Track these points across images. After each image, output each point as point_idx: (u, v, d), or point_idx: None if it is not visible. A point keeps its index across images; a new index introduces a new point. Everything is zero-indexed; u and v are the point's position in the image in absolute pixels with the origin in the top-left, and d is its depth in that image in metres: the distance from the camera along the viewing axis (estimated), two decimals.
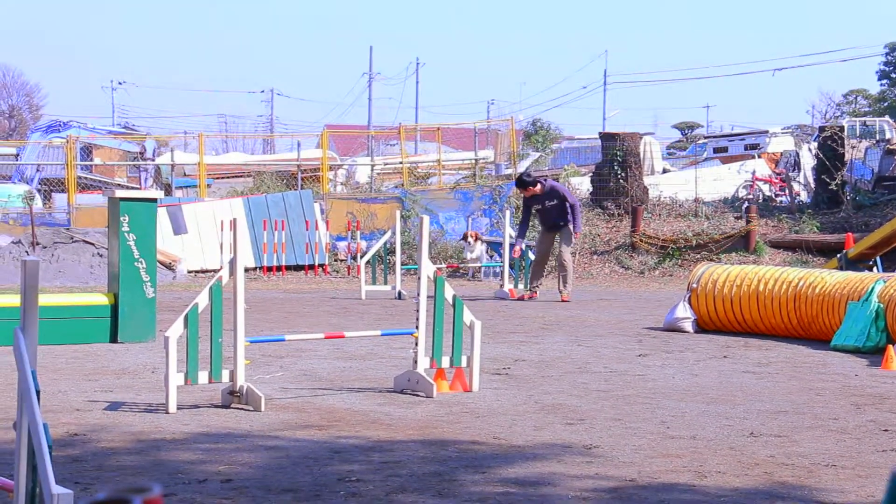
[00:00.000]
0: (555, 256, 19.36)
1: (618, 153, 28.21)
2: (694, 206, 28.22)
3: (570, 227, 18.19)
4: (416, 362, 9.16)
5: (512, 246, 19.20)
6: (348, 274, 24.20)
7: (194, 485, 6.03)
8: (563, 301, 17.88)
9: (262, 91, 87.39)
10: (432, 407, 8.51)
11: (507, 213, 21.03)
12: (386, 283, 19.67)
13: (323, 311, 16.54)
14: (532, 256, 20.38)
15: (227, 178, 35.81)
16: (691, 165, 39.18)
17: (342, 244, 25.57)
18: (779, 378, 10.22)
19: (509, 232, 20.30)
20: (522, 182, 18.52)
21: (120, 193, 13.20)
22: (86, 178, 32.67)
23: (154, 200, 13.28)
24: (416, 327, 9.21)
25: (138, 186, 31.30)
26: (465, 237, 19.33)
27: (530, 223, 19.63)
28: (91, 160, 34.57)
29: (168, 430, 7.52)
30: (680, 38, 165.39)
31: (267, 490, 5.93)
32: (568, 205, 18.21)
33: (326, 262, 24.92)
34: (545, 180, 18.92)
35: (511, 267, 20.12)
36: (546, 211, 18.26)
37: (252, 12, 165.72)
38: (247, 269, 22.55)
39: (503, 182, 29.93)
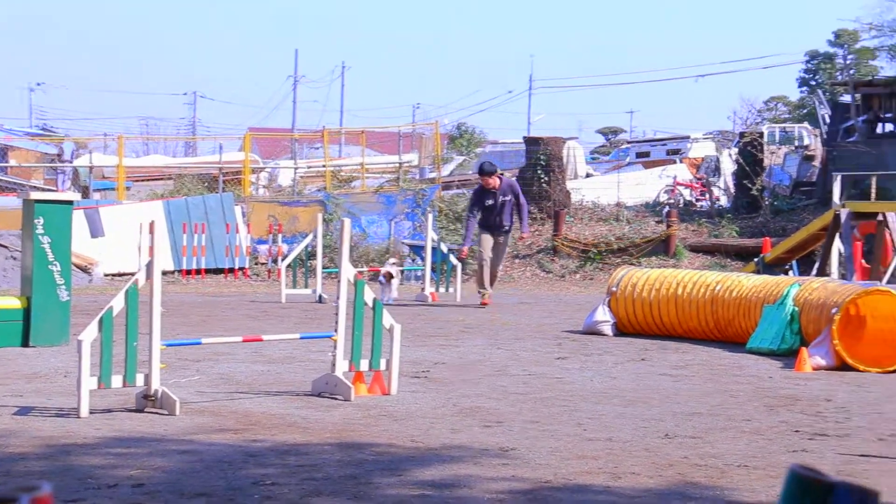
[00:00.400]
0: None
1: (541, 157, 28.36)
2: (616, 211, 28.45)
3: (516, 229, 17.93)
4: (334, 365, 9.13)
5: (461, 247, 18.94)
6: (269, 277, 24.07)
7: (104, 490, 5.96)
8: (483, 304, 17.64)
9: (185, 94, 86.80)
10: (350, 410, 8.49)
11: (430, 216, 21.03)
12: (307, 286, 19.60)
13: (242, 315, 16.44)
14: (455, 260, 20.40)
15: (148, 180, 35.46)
16: (614, 170, 39.50)
17: (263, 247, 25.43)
18: (695, 380, 10.33)
19: (432, 236, 20.30)
20: (484, 169, 17.89)
21: (35, 195, 13.04)
22: (1, 180, 32.20)
23: (70, 203, 13.11)
24: (336, 330, 9.19)
25: (55, 188, 30.89)
26: (386, 277, 18.35)
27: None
28: (6, 162, 34.08)
29: (79, 435, 7.43)
30: (604, 44, 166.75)
31: (179, 494, 5.87)
32: (520, 204, 17.79)
33: (247, 266, 24.77)
34: (502, 176, 18.41)
35: (433, 271, 20.12)
36: (498, 207, 17.56)
37: (176, 14, 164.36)
38: (165, 272, 22.33)
39: (427, 185, 29.98)
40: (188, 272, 24.12)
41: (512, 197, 17.58)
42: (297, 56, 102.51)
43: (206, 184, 31.57)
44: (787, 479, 1.38)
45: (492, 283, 17.87)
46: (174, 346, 9.71)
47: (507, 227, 17.76)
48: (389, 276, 18.13)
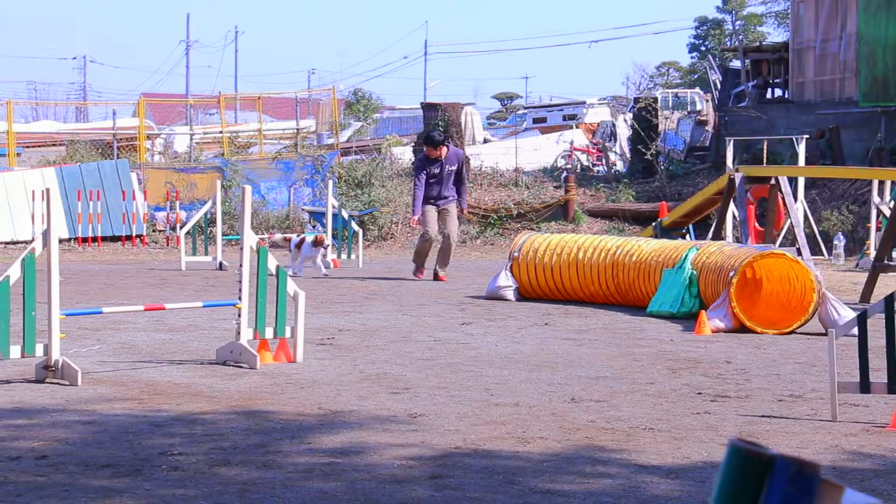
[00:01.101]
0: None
1: (439, 123, 28.33)
2: (514, 176, 28.56)
3: (458, 202, 16.46)
4: (239, 333, 9.04)
5: (410, 217, 17.74)
6: (167, 245, 23.76)
7: (7, 462, 5.83)
8: (440, 280, 16.32)
9: (75, 58, 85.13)
10: (256, 378, 8.42)
11: (330, 182, 20.93)
12: (207, 253, 19.40)
13: (142, 283, 16.22)
14: (356, 227, 20.33)
15: (39, 146, 34.79)
16: (511, 135, 39.63)
17: (161, 214, 25.09)
18: (598, 344, 10.42)
19: (332, 202, 20.20)
20: (433, 140, 16.47)
21: None
22: None
23: None
24: (239, 298, 9.10)
25: None
26: (317, 243, 17.04)
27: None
28: None
29: None
30: (499, 10, 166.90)
31: (85, 466, 5.78)
32: (461, 178, 16.59)
33: (144, 233, 24.43)
34: (450, 143, 17.25)
35: (334, 237, 20.04)
36: (443, 178, 16.25)
37: None
38: (61, 241, 21.94)
39: (325, 152, 29.78)
40: (84, 240, 23.72)
41: (457, 166, 16.45)
42: (188, 20, 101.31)
43: (99, 150, 31.06)
44: (727, 452, 1.37)
45: (444, 262, 16.55)
46: (74, 316, 9.54)
47: (451, 197, 16.45)
48: (321, 242, 17.26)
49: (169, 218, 24.46)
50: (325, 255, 17.41)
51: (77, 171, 24.78)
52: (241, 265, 9.16)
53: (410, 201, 17.09)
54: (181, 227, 20.73)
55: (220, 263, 18.65)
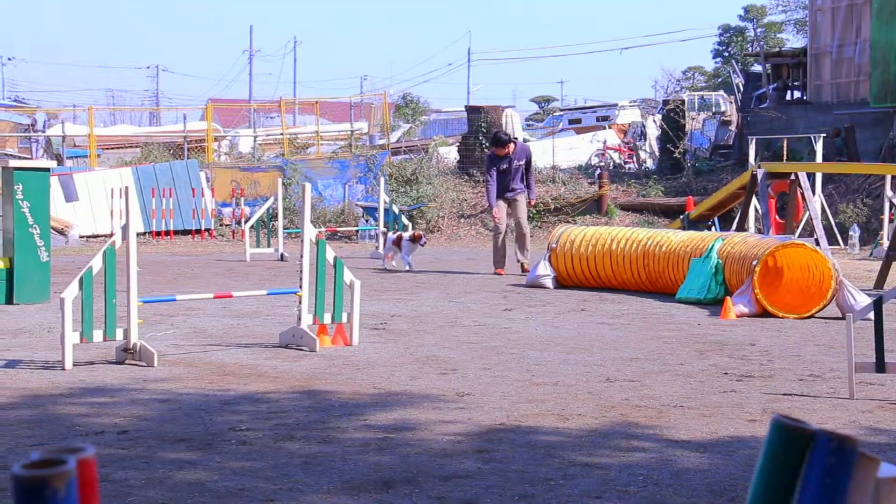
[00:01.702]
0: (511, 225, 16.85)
1: (482, 125, 28.30)
2: (552, 173, 28.46)
3: (527, 194, 16.15)
4: (300, 319, 9.06)
5: (491, 209, 16.49)
6: (233, 238, 23.88)
7: (91, 437, 5.87)
8: (524, 271, 15.68)
9: (148, 67, 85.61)
10: (315, 360, 8.44)
11: (382, 180, 20.95)
12: (269, 245, 19.49)
13: (210, 273, 16.30)
14: (406, 221, 20.33)
15: (116, 148, 35.02)
16: (549, 136, 39.48)
17: (227, 210, 25.22)
18: (631, 328, 10.36)
19: (383, 198, 20.23)
20: (500, 140, 16.10)
21: (14, 163, 12.79)
22: None
23: (47, 170, 12.90)
24: (300, 286, 9.12)
25: (30, 157, 30.41)
26: (414, 239, 16.49)
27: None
28: None
29: (64, 386, 7.32)
30: (536, 19, 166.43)
31: (161, 440, 5.80)
32: (529, 170, 16.23)
33: (212, 227, 24.57)
34: (517, 140, 17.27)
35: (386, 230, 20.04)
36: (511, 172, 15.91)
37: None
38: (137, 234, 22.12)
39: (377, 151, 29.81)
40: (158, 234, 23.88)
41: (525, 160, 16.08)
42: (251, 31, 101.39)
43: (171, 151, 31.25)
44: (770, 429, 1.35)
45: (522, 249, 16.15)
46: (150, 303, 9.60)
47: (519, 189, 16.05)
48: (419, 238, 16.63)
49: (234, 213, 24.59)
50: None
51: (151, 170, 24.95)
52: (301, 256, 9.18)
53: (485, 194, 16.88)
54: (246, 222, 20.82)
55: (282, 255, 18.72)
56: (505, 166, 15.91)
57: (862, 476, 1.31)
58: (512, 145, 16.09)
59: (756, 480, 1.34)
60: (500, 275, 15.67)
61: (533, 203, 17.02)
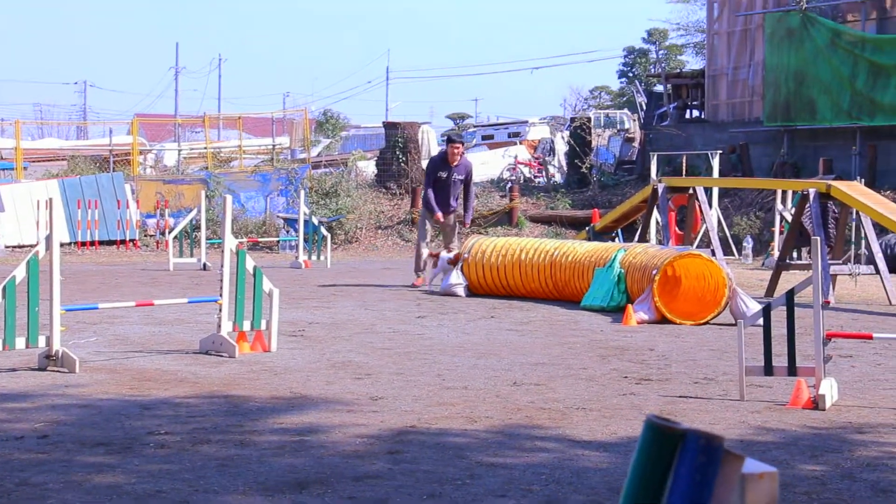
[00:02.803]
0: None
1: (399, 140, 28.29)
2: None
3: (461, 214, 14.72)
4: (219, 326, 8.97)
5: (428, 217, 14.94)
6: (157, 248, 23.56)
7: (12, 441, 5.75)
8: (414, 285, 14.68)
9: (76, 83, 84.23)
10: (235, 366, 8.36)
11: (302, 192, 20.86)
12: (192, 255, 19.27)
13: (134, 282, 16.06)
14: (325, 231, 20.23)
15: (43, 161, 34.43)
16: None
17: (151, 221, 24.90)
18: (538, 335, 10.42)
19: (304, 210, 20.12)
20: (454, 138, 14.85)
21: None
22: None
23: None
24: (220, 295, 9.03)
25: None
26: (452, 260, 14.24)
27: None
28: None
29: None
30: (452, 40, 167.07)
31: (81, 444, 5.70)
32: (469, 190, 14.73)
33: (137, 238, 24.23)
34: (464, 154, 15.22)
35: (306, 241, 19.97)
36: (450, 185, 14.48)
37: (66, 9, 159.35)
38: (62, 244, 21.71)
39: (298, 165, 29.64)
40: (83, 244, 23.48)
41: (465, 176, 14.58)
42: (177, 49, 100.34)
43: (97, 164, 30.81)
44: (644, 428, 1.36)
45: (448, 245, 14.79)
46: (73, 311, 9.42)
47: (453, 208, 14.60)
48: (456, 261, 14.19)
49: (159, 224, 24.29)
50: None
51: (77, 182, 24.54)
52: (221, 265, 9.10)
53: (423, 203, 14.83)
54: (170, 232, 20.57)
55: (205, 264, 18.52)
56: (445, 176, 14.51)
57: (728, 472, 1.33)
58: (462, 148, 14.70)
59: (630, 476, 1.36)
60: (418, 286, 14.64)
61: (466, 226, 15.34)
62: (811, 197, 14.35)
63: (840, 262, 14.86)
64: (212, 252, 19.48)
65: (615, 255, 12.72)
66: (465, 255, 14.28)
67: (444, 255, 14.38)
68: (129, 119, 42.16)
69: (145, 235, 24.73)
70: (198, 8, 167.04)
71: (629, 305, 11.55)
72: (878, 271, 14.02)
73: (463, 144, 14.63)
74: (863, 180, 17.50)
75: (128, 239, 24.02)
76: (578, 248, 13.67)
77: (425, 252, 14.72)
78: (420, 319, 11.52)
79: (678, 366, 8.58)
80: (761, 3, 28.24)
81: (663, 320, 11.33)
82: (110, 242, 23.91)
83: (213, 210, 23.79)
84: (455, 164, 14.47)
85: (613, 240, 19.80)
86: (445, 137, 14.98)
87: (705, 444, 1.35)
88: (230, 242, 9.08)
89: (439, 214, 14.49)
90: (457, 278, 14.14)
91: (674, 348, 9.58)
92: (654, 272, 11.55)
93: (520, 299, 13.60)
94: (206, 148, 34.57)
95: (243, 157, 34.49)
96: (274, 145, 35.50)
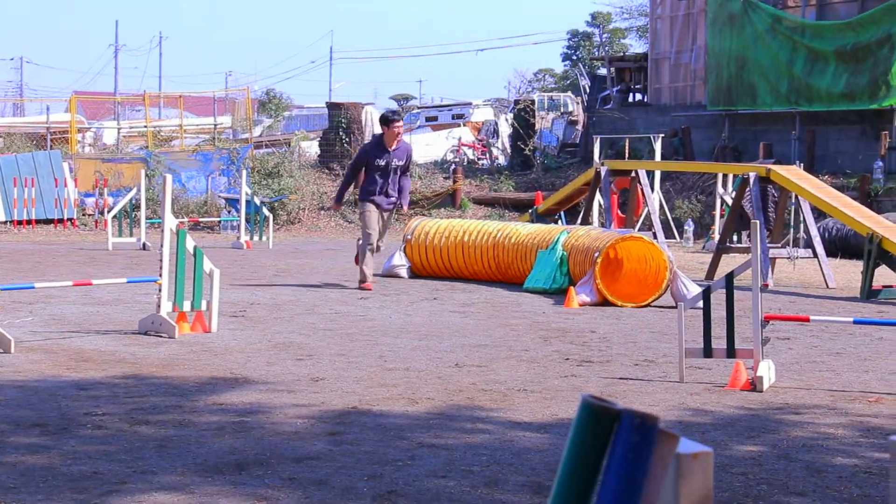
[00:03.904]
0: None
1: (342, 121, 28.18)
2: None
3: (400, 203, 12.60)
4: (159, 306, 8.89)
5: (333, 203, 14.00)
6: (96, 227, 23.28)
7: None
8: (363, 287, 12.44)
9: (13, 59, 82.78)
10: (174, 346, 8.29)
11: (244, 172, 20.74)
12: (132, 235, 19.07)
13: (72, 262, 15.86)
14: (267, 212, 20.11)
15: None
16: (406, 132, 39.52)
17: (90, 200, 24.58)
18: (480, 316, 10.45)
19: (245, 190, 19.99)
20: (387, 118, 12.63)
21: None
22: None
23: None
24: (160, 275, 8.94)
25: None
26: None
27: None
28: None
29: None
30: (397, 20, 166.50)
31: (16, 425, 5.63)
32: (406, 176, 12.70)
33: (75, 217, 23.92)
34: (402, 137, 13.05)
35: (247, 221, 19.85)
36: (388, 172, 12.30)
37: None
38: None
39: (240, 145, 29.43)
40: (20, 223, 23.13)
41: (405, 162, 12.48)
42: (117, 26, 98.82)
43: (34, 142, 30.34)
44: (579, 408, 1.37)
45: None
46: (8, 290, 9.30)
47: (394, 200, 12.50)
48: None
49: (97, 203, 23.98)
50: None
51: (13, 160, 24.14)
52: (161, 245, 9.01)
53: (337, 188, 12.84)
54: (109, 212, 20.33)
55: (144, 244, 18.34)
56: (383, 163, 12.27)
57: (662, 451, 1.34)
58: (400, 127, 12.74)
59: (566, 456, 1.36)
60: (368, 290, 12.29)
61: (404, 211, 13.40)
62: (751, 181, 14.50)
63: (779, 245, 15.04)
64: (152, 232, 19.28)
65: (558, 238, 12.78)
66: (408, 237, 14.28)
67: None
68: (67, 96, 41.62)
69: (83, 214, 24.41)
70: None
71: (571, 287, 11.61)
72: (815, 255, 14.22)
73: (398, 123, 12.60)
74: (802, 165, 17.72)
75: (66, 218, 23.70)
76: (521, 230, 13.71)
77: (370, 257, 12.52)
78: (362, 301, 11.50)
79: (619, 348, 8.64)
80: None
81: (605, 302, 11.41)
82: (48, 221, 23.59)
83: (154, 190, 23.53)
84: (393, 147, 12.33)
85: (556, 222, 19.89)
86: (381, 118, 12.80)
87: (640, 424, 1.36)
88: (170, 222, 8.99)
89: (337, 206, 13.59)
90: (400, 260, 14.14)
91: (615, 330, 9.66)
92: (596, 255, 11.62)
93: (463, 281, 13.62)
94: (146, 127, 34.19)
95: (184, 137, 34.18)
96: (216, 125, 35.19)
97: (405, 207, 12.98)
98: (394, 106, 74.98)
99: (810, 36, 25.41)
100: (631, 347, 8.67)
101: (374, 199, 12.38)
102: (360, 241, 12.70)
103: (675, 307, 8.44)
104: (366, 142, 27.87)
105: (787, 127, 25.77)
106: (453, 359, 7.91)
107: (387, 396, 6.53)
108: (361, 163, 12.56)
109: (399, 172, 12.48)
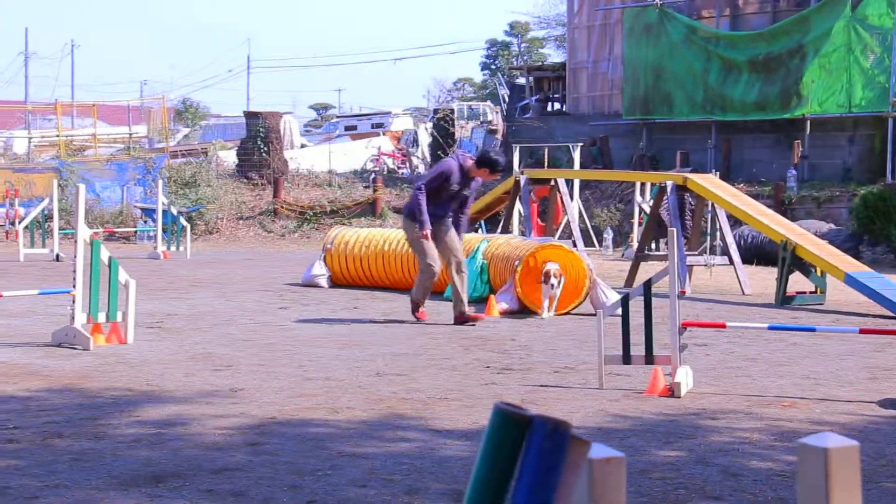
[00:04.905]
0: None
1: (261, 130, 28.01)
2: (328, 178, 28.43)
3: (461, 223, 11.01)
4: (73, 318, 8.76)
5: (421, 229, 10.56)
6: (7, 238, 22.84)
7: None
8: (470, 321, 10.68)
9: None
10: (89, 358, 8.17)
11: (161, 182, 20.52)
12: (44, 246, 18.75)
13: None
14: (184, 222, 19.90)
15: None
16: (325, 141, 39.45)
17: (0, 210, 24.11)
18: (401, 325, 10.45)
19: (162, 199, 19.77)
20: (497, 167, 10.90)
21: None
22: None
23: None
24: (74, 286, 8.81)
25: None
26: (545, 277, 11.33)
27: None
28: None
29: None
30: (314, 29, 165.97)
31: None
32: (467, 205, 11.12)
33: None
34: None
35: (164, 231, 19.63)
36: (457, 197, 10.83)
37: None
38: None
39: (156, 154, 29.11)
40: None
41: (471, 190, 11.04)
42: (27, 34, 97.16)
43: None
44: (492, 414, 1.38)
45: (464, 288, 10.90)
46: None
47: (450, 222, 10.94)
48: (547, 276, 11.41)
49: (8, 214, 23.53)
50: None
51: None
52: (75, 256, 8.88)
53: (417, 212, 10.58)
54: (20, 222, 19.97)
55: (57, 255, 18.05)
56: (457, 189, 10.77)
57: (574, 457, 1.36)
58: (492, 178, 11.51)
59: (479, 462, 1.38)
60: (423, 319, 10.88)
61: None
62: (668, 189, 14.70)
63: (696, 253, 15.27)
64: (65, 243, 18.98)
65: (478, 247, 12.83)
66: (328, 246, 14.24)
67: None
68: None
69: None
70: None
71: (491, 296, 11.67)
72: (731, 262, 14.46)
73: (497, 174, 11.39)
74: (718, 173, 18.03)
75: None
76: None
77: (437, 274, 10.83)
78: (282, 310, 11.44)
79: (539, 355, 8.70)
80: None
81: (525, 310, 11.47)
82: None
83: (67, 200, 23.17)
84: (473, 180, 10.93)
85: (476, 231, 19.97)
86: (489, 162, 10.83)
87: (552, 429, 1.38)
88: (84, 232, 8.86)
89: (426, 233, 10.61)
90: (320, 269, 14.10)
91: (535, 338, 9.72)
92: (516, 263, 11.69)
93: (383, 290, 13.61)
94: (58, 136, 33.63)
95: (98, 146, 33.67)
96: (130, 134, 34.76)
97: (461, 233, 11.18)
98: (313, 115, 74.72)
99: (724, 46, 25.87)
100: (551, 355, 8.73)
101: (434, 222, 10.66)
102: (419, 278, 10.94)
103: (595, 315, 8.53)
104: (284, 150, 27.70)
105: (704, 136, 26.18)
106: (374, 368, 7.90)
107: (307, 406, 6.50)
108: (441, 181, 10.71)
109: (463, 203, 10.95)
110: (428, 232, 10.52)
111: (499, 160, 10.96)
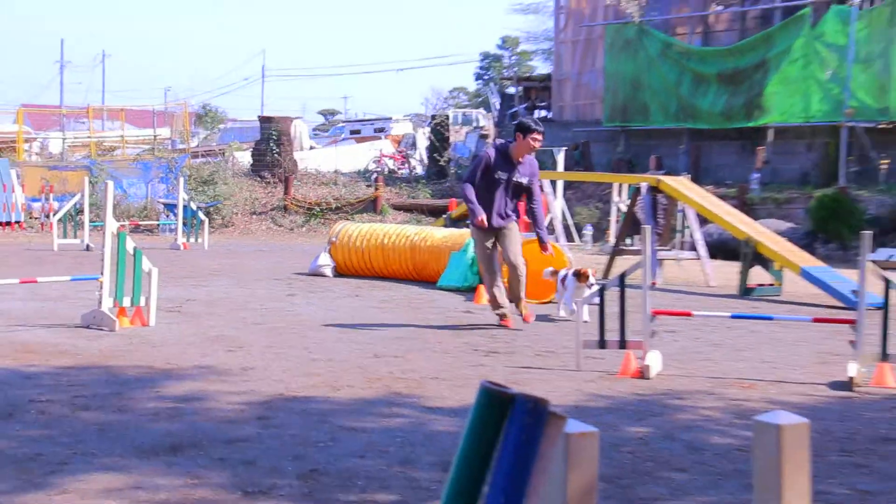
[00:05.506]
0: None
1: (273, 133, 27.94)
2: (334, 177, 28.38)
3: (539, 236, 9.39)
4: (100, 302, 8.74)
5: (475, 218, 9.15)
6: (42, 230, 22.79)
7: None
8: (525, 320, 9.58)
9: None
10: (114, 339, 8.15)
11: (181, 180, 20.48)
12: (76, 237, 18.71)
13: (20, 261, 15.51)
14: (203, 216, 19.86)
15: None
16: (332, 144, 39.37)
17: (37, 205, 24.06)
18: (398, 312, 10.44)
19: (182, 196, 19.73)
20: (528, 127, 9.10)
21: None
22: None
23: None
24: (102, 273, 8.79)
25: None
26: (579, 276, 10.11)
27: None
28: None
29: None
30: (324, 41, 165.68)
31: None
32: (535, 199, 9.34)
33: (22, 220, 23.39)
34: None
35: (184, 224, 19.59)
36: (507, 186, 9.14)
37: None
38: None
39: (178, 155, 29.04)
40: None
41: (528, 179, 9.22)
42: (62, 45, 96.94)
43: None
44: (478, 393, 1.38)
45: (517, 295, 9.52)
46: None
47: (511, 218, 9.28)
48: (585, 277, 10.14)
49: (44, 207, 23.50)
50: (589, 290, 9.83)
51: None
52: (103, 246, 8.86)
53: (470, 210, 9.26)
54: (54, 215, 19.92)
55: (88, 245, 18.01)
56: (504, 177, 9.15)
57: (552, 431, 1.36)
58: (539, 142, 9.12)
59: (465, 436, 1.37)
60: (509, 327, 9.37)
61: (546, 251, 9.47)
62: (643, 190, 14.69)
63: (667, 248, 15.26)
64: (95, 234, 18.94)
65: (469, 241, 12.81)
66: (333, 239, 14.22)
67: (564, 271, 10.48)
68: (14, 108, 40.69)
69: (31, 218, 23.89)
70: (82, 6, 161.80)
71: (480, 286, 11.64)
72: (699, 257, 14.46)
73: (543, 136, 9.23)
74: (689, 176, 18.01)
75: (13, 221, 23.16)
76: (436, 233, 13.73)
77: (498, 289, 9.41)
78: (290, 297, 11.42)
79: (523, 340, 8.70)
80: (602, 15, 28.76)
81: (511, 299, 11.43)
82: None
83: (97, 195, 23.11)
84: (521, 160, 9.19)
85: (468, 226, 19.95)
86: (518, 125, 9.28)
87: (532, 406, 1.37)
88: (111, 225, 8.84)
89: (481, 219, 9.05)
90: (325, 260, 14.08)
91: (520, 324, 9.70)
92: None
93: (383, 280, 13.60)
94: (90, 137, 33.57)
95: (126, 147, 33.62)
96: (155, 136, 34.69)
97: (547, 244, 9.39)
98: (321, 120, 74.60)
99: (696, 60, 25.85)
100: (534, 339, 8.73)
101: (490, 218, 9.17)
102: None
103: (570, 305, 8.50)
104: (295, 152, 27.60)
105: (676, 142, 26.18)
106: (372, 350, 7.90)
107: (311, 384, 6.50)
108: (482, 170, 9.17)
109: (518, 191, 9.27)
110: (483, 218, 8.96)
111: (525, 120, 9.26)
